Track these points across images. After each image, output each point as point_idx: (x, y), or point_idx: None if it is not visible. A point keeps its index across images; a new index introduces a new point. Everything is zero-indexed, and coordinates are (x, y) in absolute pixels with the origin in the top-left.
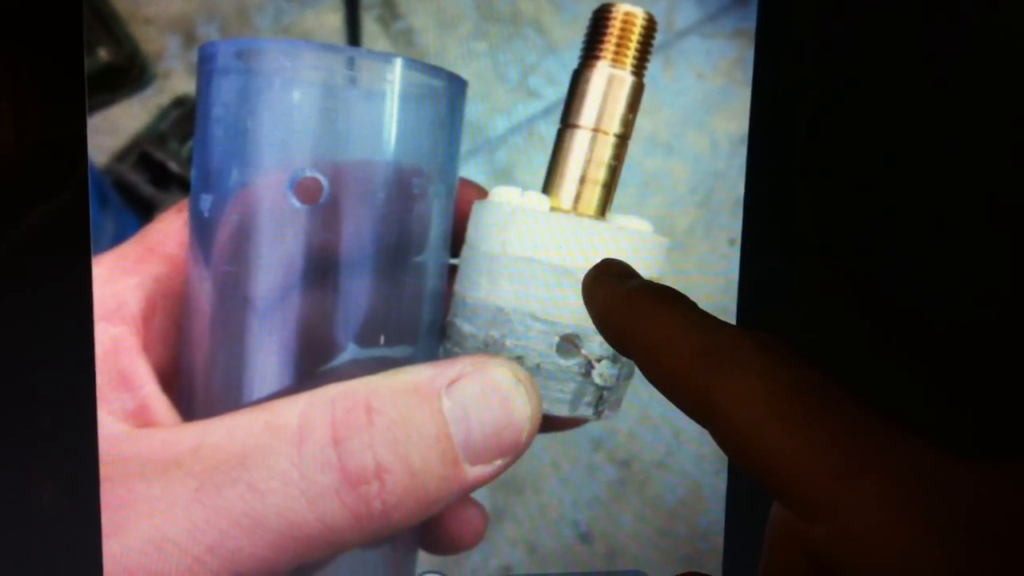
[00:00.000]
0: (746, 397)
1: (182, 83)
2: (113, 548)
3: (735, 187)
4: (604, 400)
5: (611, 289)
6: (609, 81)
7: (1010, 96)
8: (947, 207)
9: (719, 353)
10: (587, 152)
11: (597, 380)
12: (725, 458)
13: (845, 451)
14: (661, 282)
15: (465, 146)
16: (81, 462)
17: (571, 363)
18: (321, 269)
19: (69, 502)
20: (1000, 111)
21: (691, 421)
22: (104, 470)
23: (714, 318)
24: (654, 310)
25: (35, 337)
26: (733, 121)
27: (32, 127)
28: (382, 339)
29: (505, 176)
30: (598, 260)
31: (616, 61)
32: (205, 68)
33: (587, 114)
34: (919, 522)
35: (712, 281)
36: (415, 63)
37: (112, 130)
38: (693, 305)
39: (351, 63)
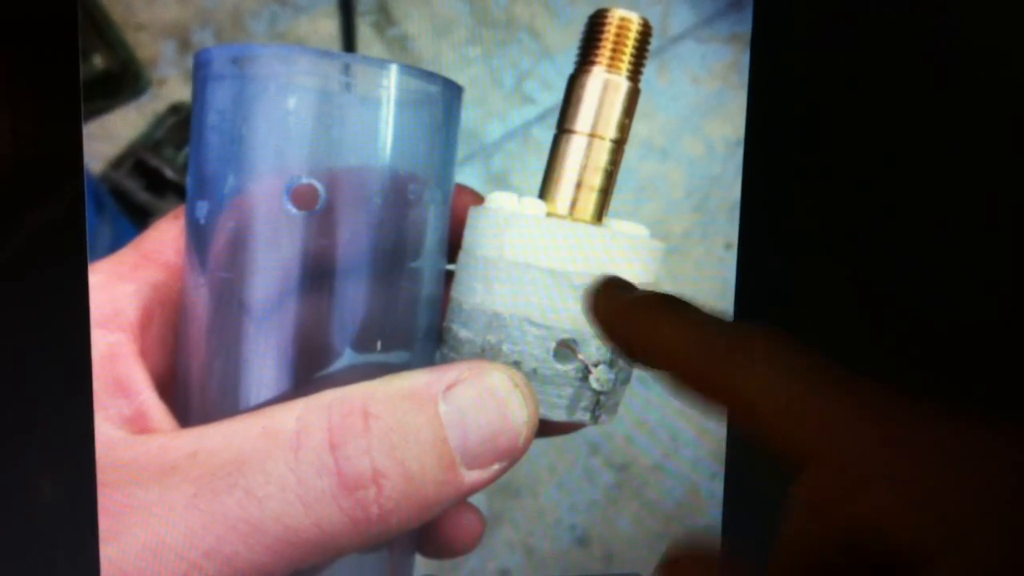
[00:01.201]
0: (774, 383)
1: (177, 90)
2: (110, 554)
3: (731, 191)
4: (601, 405)
5: (616, 300)
6: (605, 86)
7: (1006, 97)
8: (945, 209)
9: (736, 348)
10: (583, 157)
11: (594, 385)
12: (722, 461)
13: (868, 422)
14: (658, 287)
15: (461, 152)
16: (78, 468)
17: (568, 368)
18: (317, 275)
19: (66, 508)
20: (997, 113)
21: (688, 425)
22: (101, 476)
23: (720, 318)
24: (663, 316)
25: (32, 344)
26: (728, 125)
27: (28, 134)
28: (379, 345)
29: (501, 181)
30: (595, 265)
31: (612, 66)
32: (200, 74)
33: (583, 119)
34: (958, 492)
35: (709, 285)
36: (410, 69)
37: (108, 137)
38: (699, 308)
39: (346, 69)
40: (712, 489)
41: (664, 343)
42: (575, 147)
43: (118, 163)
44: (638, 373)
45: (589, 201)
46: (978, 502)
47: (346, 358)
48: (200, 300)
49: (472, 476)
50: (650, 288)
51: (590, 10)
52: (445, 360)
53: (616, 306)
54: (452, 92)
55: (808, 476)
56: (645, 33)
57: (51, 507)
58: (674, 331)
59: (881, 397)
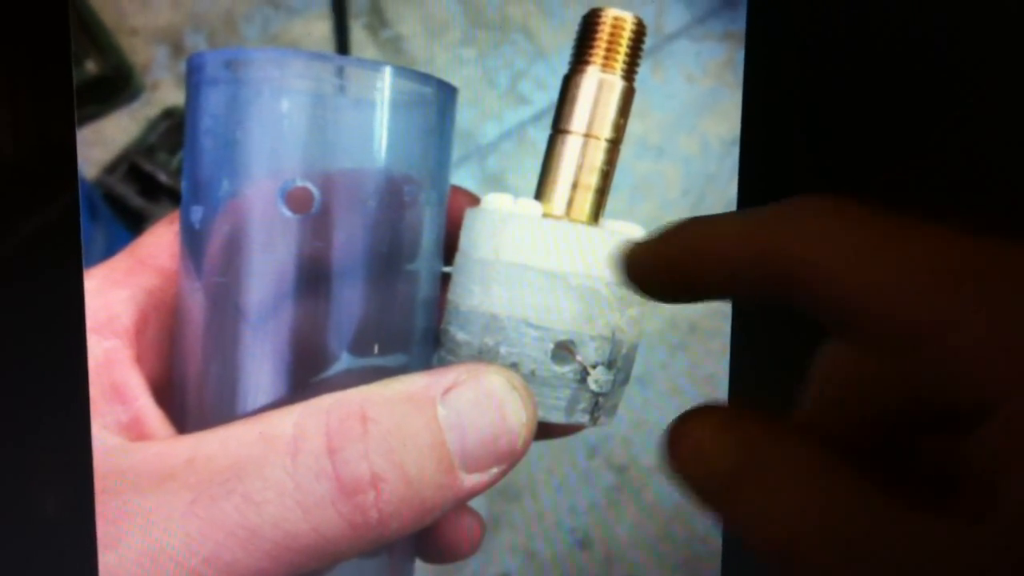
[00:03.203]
0: (828, 242)
1: (170, 94)
2: (109, 561)
3: (727, 189)
4: (600, 406)
5: (643, 250)
6: (599, 86)
7: (1007, 94)
8: (943, 208)
9: (783, 219)
10: (579, 158)
11: (592, 386)
12: None
13: (942, 264)
14: None
15: (456, 153)
16: (75, 475)
17: (566, 370)
18: (313, 279)
19: (64, 516)
20: (997, 110)
21: None
22: (98, 483)
23: (747, 209)
24: (698, 228)
25: (27, 351)
26: (724, 123)
27: (20, 140)
28: (376, 348)
29: (496, 182)
30: (592, 266)
31: (606, 66)
32: (193, 79)
33: (578, 119)
34: None
35: None
36: (404, 71)
37: (101, 142)
38: (708, 215)
39: (340, 72)
40: None
41: (715, 244)
42: (570, 147)
43: (112, 168)
44: (637, 374)
45: (585, 201)
46: None
47: (343, 362)
48: (196, 305)
49: (471, 480)
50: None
51: (584, 10)
52: (442, 363)
53: (647, 252)
54: (446, 93)
55: (868, 329)
56: (639, 32)
57: (48, 515)
58: (712, 232)
59: (945, 238)
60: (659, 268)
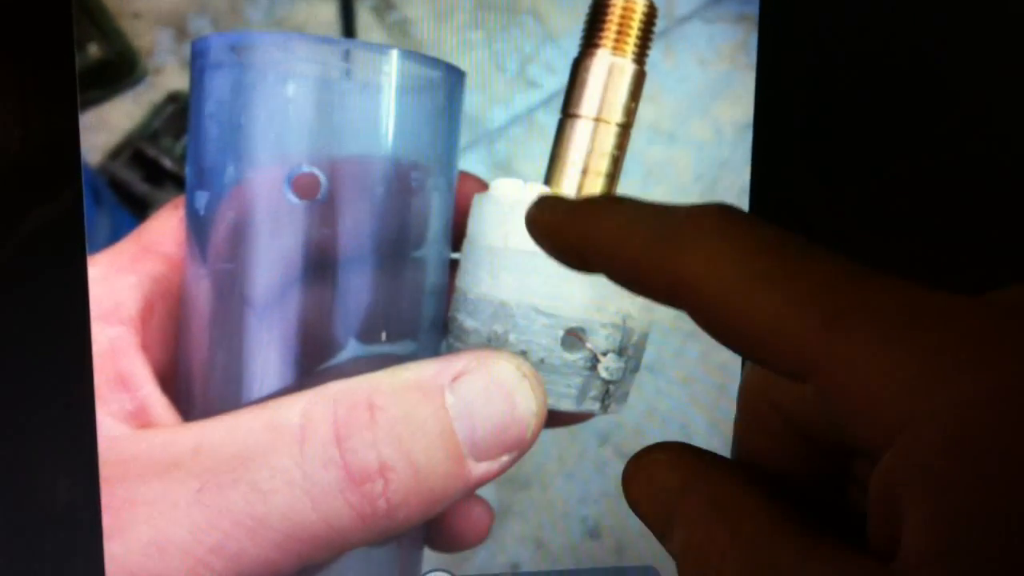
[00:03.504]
0: (717, 263)
1: (175, 79)
2: (115, 550)
3: (740, 175)
4: (610, 394)
5: (556, 210)
6: (610, 70)
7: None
8: (959, 191)
9: (678, 228)
10: (589, 142)
11: (603, 374)
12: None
13: (830, 298)
14: None
15: (464, 138)
16: (80, 464)
17: (576, 357)
18: (320, 266)
19: (69, 504)
20: (1012, 90)
21: (700, 414)
22: (104, 472)
23: (665, 204)
24: (604, 211)
25: (32, 339)
26: (737, 107)
27: (24, 126)
28: (383, 336)
29: (505, 168)
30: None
31: (617, 49)
32: (198, 63)
33: (588, 103)
34: (920, 358)
35: None
36: (411, 54)
37: (104, 127)
38: (638, 200)
39: (346, 55)
40: None
41: (604, 236)
42: (580, 132)
43: (115, 154)
44: (648, 361)
45: (595, 187)
46: (946, 367)
47: (350, 349)
48: (201, 292)
49: (480, 468)
50: None
51: None
52: (451, 351)
53: (557, 213)
54: (454, 77)
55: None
56: (650, 15)
57: (53, 503)
58: (618, 220)
59: (842, 270)
60: (564, 240)
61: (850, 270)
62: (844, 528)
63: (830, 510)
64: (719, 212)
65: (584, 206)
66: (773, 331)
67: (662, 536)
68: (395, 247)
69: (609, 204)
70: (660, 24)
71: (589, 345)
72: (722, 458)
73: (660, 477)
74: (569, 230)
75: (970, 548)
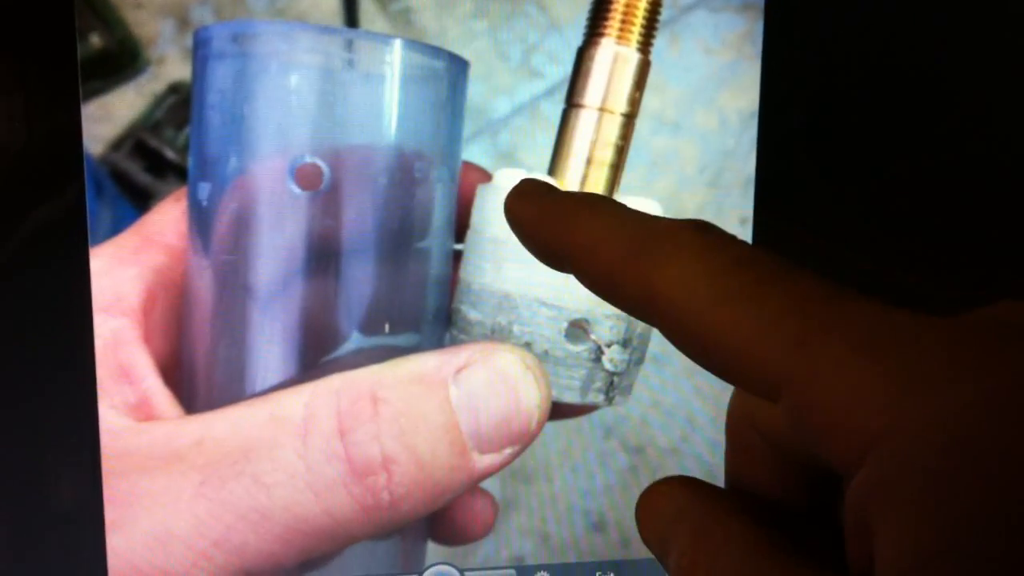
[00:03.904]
0: (688, 280)
1: (177, 69)
2: (117, 544)
3: (745, 164)
4: (615, 386)
5: (535, 203)
6: (614, 59)
7: None
8: (966, 183)
9: (654, 242)
10: (593, 132)
11: (607, 366)
12: None
13: (801, 317)
14: None
15: (467, 128)
16: (83, 457)
17: (580, 349)
18: (323, 257)
19: (72, 497)
20: (1016, 77)
21: (705, 406)
22: (106, 464)
23: (644, 213)
24: (582, 213)
25: (34, 331)
26: (743, 97)
27: (26, 117)
28: (386, 327)
29: (509, 159)
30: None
31: (621, 38)
32: (200, 53)
33: (592, 93)
34: (889, 376)
35: None
36: (414, 44)
37: (106, 118)
38: (618, 203)
39: (349, 45)
40: None
41: (580, 241)
42: (585, 122)
43: (117, 145)
44: (653, 353)
45: (600, 177)
46: (914, 387)
47: (353, 341)
48: (204, 283)
49: (484, 461)
50: None
51: None
52: (454, 342)
53: (536, 207)
54: (458, 67)
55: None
56: (655, 4)
57: (56, 496)
58: (596, 226)
59: (813, 289)
60: (539, 238)
61: (822, 289)
62: (835, 552)
63: (821, 534)
64: (696, 229)
65: (561, 205)
66: (745, 349)
67: (661, 560)
68: (398, 238)
69: (587, 207)
70: (665, 13)
71: (593, 337)
72: (715, 488)
73: (659, 506)
74: (545, 228)
75: (938, 563)
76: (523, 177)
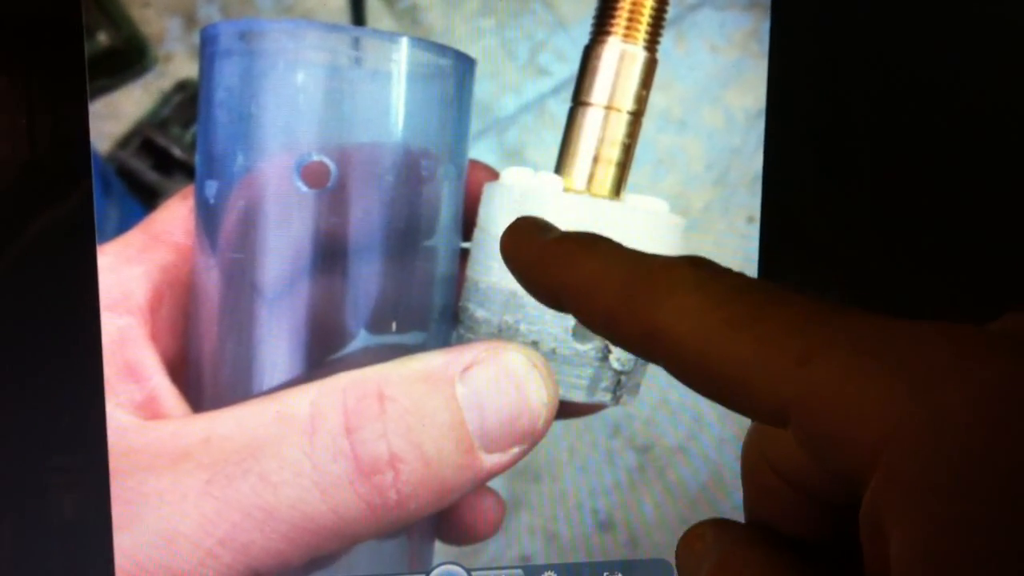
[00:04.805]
0: (688, 312)
1: (184, 67)
2: (124, 542)
3: (752, 163)
4: (622, 385)
5: (531, 244)
6: (621, 57)
7: None
8: (974, 180)
9: (652, 279)
10: (600, 131)
11: (615, 365)
12: None
13: (801, 336)
14: None
15: (474, 126)
16: (90, 455)
17: (588, 347)
18: (330, 255)
19: (79, 496)
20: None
21: (712, 405)
22: (113, 463)
23: (639, 251)
24: (579, 254)
25: (41, 328)
26: (749, 95)
27: (33, 115)
28: (393, 325)
29: (516, 157)
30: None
31: (628, 36)
32: (207, 51)
33: (599, 91)
34: (894, 382)
35: (730, 260)
36: (421, 42)
37: (114, 116)
38: (614, 242)
39: (356, 43)
40: (738, 470)
41: (579, 282)
42: (591, 120)
43: (124, 142)
44: None
45: (607, 175)
46: (908, 394)
47: (360, 339)
48: (211, 281)
49: (491, 460)
50: None
51: None
52: (461, 341)
53: (532, 249)
54: (464, 65)
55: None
56: (662, 2)
57: (62, 495)
58: (593, 267)
59: (810, 309)
60: (538, 282)
61: (820, 308)
62: None
63: (842, 569)
64: (690, 264)
65: (557, 246)
66: (748, 375)
67: None
68: (405, 236)
69: (582, 247)
70: (671, 11)
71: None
72: (740, 525)
73: (694, 546)
74: (542, 271)
75: (951, 560)
76: (529, 175)
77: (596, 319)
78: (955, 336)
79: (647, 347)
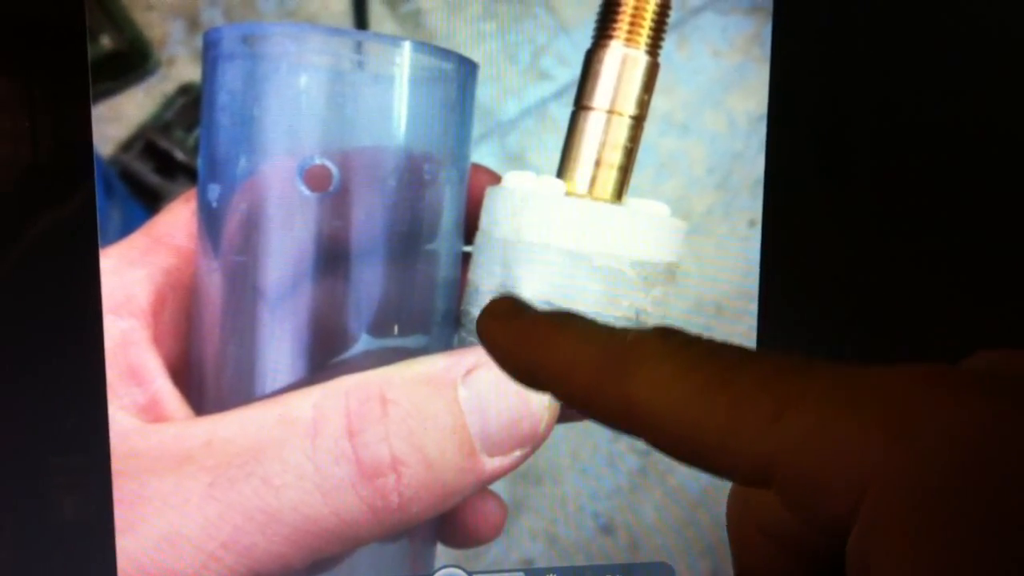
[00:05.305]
0: (660, 384)
1: (187, 70)
2: (127, 545)
3: (754, 167)
4: None
5: (506, 328)
6: (623, 61)
7: None
8: (975, 185)
9: (623, 354)
10: (602, 135)
11: None
12: None
13: (771, 394)
14: (679, 267)
15: (476, 130)
16: (92, 458)
17: None
18: (332, 258)
19: (81, 499)
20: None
21: None
22: (116, 466)
23: (610, 326)
24: (551, 336)
25: (43, 331)
26: (751, 99)
27: (36, 117)
28: (396, 329)
29: (518, 160)
30: (616, 245)
31: (630, 41)
32: (210, 54)
33: (601, 96)
34: (869, 427)
35: (732, 263)
36: (424, 46)
37: (116, 119)
38: (587, 320)
39: (358, 47)
40: None
41: (553, 364)
42: (593, 124)
43: (127, 146)
44: None
45: (608, 179)
46: (888, 433)
47: (362, 343)
48: (213, 284)
49: (493, 463)
50: (672, 268)
51: None
52: (463, 344)
53: (508, 332)
54: (467, 69)
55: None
56: (664, 6)
57: (65, 498)
58: (567, 348)
59: (778, 366)
60: (515, 365)
61: (787, 364)
62: None
63: None
64: (659, 335)
65: (532, 328)
66: (724, 438)
67: None
68: (407, 240)
69: (556, 328)
70: (673, 15)
71: None
72: None
73: None
74: (519, 354)
75: None
76: (531, 179)
77: (575, 399)
78: (926, 378)
79: (626, 422)
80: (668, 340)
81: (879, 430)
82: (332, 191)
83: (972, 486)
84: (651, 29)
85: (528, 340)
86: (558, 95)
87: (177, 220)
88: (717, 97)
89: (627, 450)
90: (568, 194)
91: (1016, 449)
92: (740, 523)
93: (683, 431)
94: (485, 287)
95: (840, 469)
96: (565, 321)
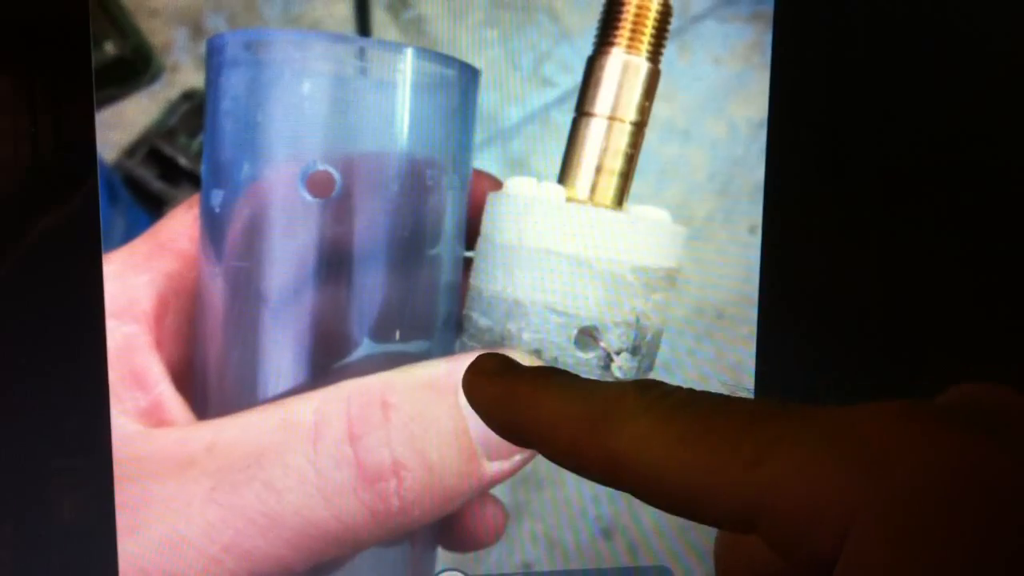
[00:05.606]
0: (641, 437)
1: (191, 76)
2: (129, 549)
3: (755, 173)
4: None
5: (491, 386)
6: (624, 68)
7: None
8: (974, 190)
9: (604, 411)
10: (603, 141)
11: (617, 373)
12: None
13: (750, 439)
14: (680, 273)
15: (478, 136)
16: (95, 462)
17: (590, 356)
18: (334, 263)
19: (84, 503)
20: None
21: None
22: (118, 470)
23: (592, 381)
24: (534, 394)
25: (46, 336)
26: (752, 106)
27: (40, 123)
28: (397, 334)
29: (520, 166)
30: (617, 251)
31: (631, 48)
32: (214, 60)
33: (602, 102)
34: (847, 465)
35: (732, 269)
36: (426, 52)
37: (120, 125)
38: (570, 376)
39: (361, 53)
40: None
41: (538, 423)
42: (595, 130)
43: (131, 151)
44: (663, 360)
45: (609, 185)
46: (866, 470)
47: (364, 348)
48: (216, 290)
49: (494, 467)
50: (672, 273)
51: None
52: (465, 349)
53: (493, 390)
54: (469, 75)
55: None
56: (665, 13)
57: (67, 502)
58: (550, 405)
59: (754, 413)
60: (500, 422)
61: (764, 409)
62: None
63: None
64: (637, 389)
65: (517, 385)
66: (707, 487)
67: None
68: (409, 245)
69: (540, 385)
70: (675, 23)
71: (603, 344)
72: None
73: None
74: (504, 411)
75: None
76: (533, 184)
77: (559, 457)
78: (899, 415)
79: (611, 476)
80: (646, 394)
81: (856, 469)
82: (335, 197)
83: (946, 519)
84: (652, 36)
85: (512, 400)
86: (560, 101)
87: (180, 225)
88: (718, 104)
89: None
90: (569, 200)
91: (986, 481)
92: (729, 568)
93: (666, 483)
94: (487, 292)
95: (820, 509)
96: (548, 379)
